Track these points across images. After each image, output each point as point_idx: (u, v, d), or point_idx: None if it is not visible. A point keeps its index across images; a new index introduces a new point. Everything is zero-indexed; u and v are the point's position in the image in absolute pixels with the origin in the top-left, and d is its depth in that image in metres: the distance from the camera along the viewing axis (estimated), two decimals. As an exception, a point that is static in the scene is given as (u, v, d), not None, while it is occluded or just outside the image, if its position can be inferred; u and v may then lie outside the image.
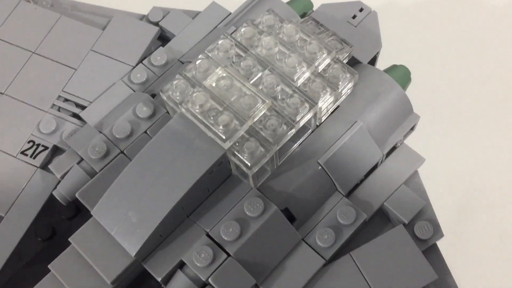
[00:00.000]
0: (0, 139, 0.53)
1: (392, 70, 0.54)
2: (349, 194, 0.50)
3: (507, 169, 0.67)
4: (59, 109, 0.55)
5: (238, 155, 0.44)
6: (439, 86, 0.68)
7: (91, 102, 0.54)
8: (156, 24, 0.59)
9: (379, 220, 0.51)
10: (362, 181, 0.51)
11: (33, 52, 0.58)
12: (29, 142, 0.53)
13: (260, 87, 0.46)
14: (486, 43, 0.73)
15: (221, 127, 0.43)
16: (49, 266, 0.46)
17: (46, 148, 0.53)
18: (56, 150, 0.54)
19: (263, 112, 0.44)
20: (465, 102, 0.69)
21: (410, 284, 0.46)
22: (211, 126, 0.44)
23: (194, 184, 0.44)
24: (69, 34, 0.58)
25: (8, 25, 0.59)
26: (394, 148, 0.52)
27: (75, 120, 0.54)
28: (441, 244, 0.51)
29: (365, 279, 0.46)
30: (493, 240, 0.66)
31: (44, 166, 0.52)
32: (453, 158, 0.66)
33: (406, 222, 0.49)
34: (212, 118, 0.44)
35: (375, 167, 0.51)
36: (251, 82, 0.46)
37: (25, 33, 0.59)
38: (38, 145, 0.53)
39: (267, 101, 0.44)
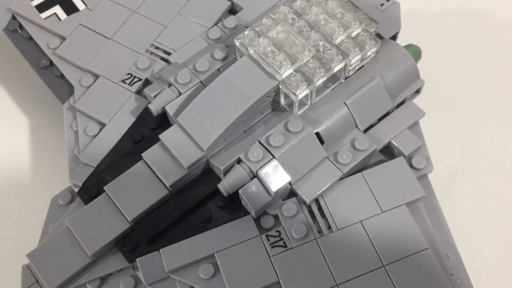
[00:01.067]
0: (108, 70, 0.70)
1: (408, 47, 0.68)
2: (365, 131, 0.64)
3: (500, 141, 0.79)
4: (151, 53, 0.72)
5: (288, 86, 0.60)
6: (444, 65, 0.82)
7: (176, 50, 0.72)
8: (229, -1, 0.77)
9: (385, 156, 0.66)
10: (375, 123, 0.65)
11: (134, 11, 0.75)
12: (127, 74, 0.70)
13: (308, 41, 0.62)
14: (491, 48, 0.87)
15: (278, 63, 0.60)
16: (142, 154, 0.61)
17: (140, 79, 0.69)
18: (147, 83, 0.70)
19: (308, 58, 0.60)
20: (465, 79, 0.82)
21: (404, 196, 0.60)
22: (270, 63, 0.60)
23: (254, 103, 0.60)
24: (162, 1, 0.76)
25: (116, -11, 0.77)
26: (403, 102, 0.67)
27: (163, 62, 0.71)
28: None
29: (370, 190, 0.61)
30: (481, 204, 0.76)
31: (138, 92, 0.69)
32: (449, 126, 0.79)
33: (406, 154, 0.63)
34: (271, 57, 0.60)
35: (387, 114, 0.65)
36: (302, 37, 0.62)
37: (129, -3, 0.77)
38: (134, 77, 0.70)
39: (312, 50, 0.61)
